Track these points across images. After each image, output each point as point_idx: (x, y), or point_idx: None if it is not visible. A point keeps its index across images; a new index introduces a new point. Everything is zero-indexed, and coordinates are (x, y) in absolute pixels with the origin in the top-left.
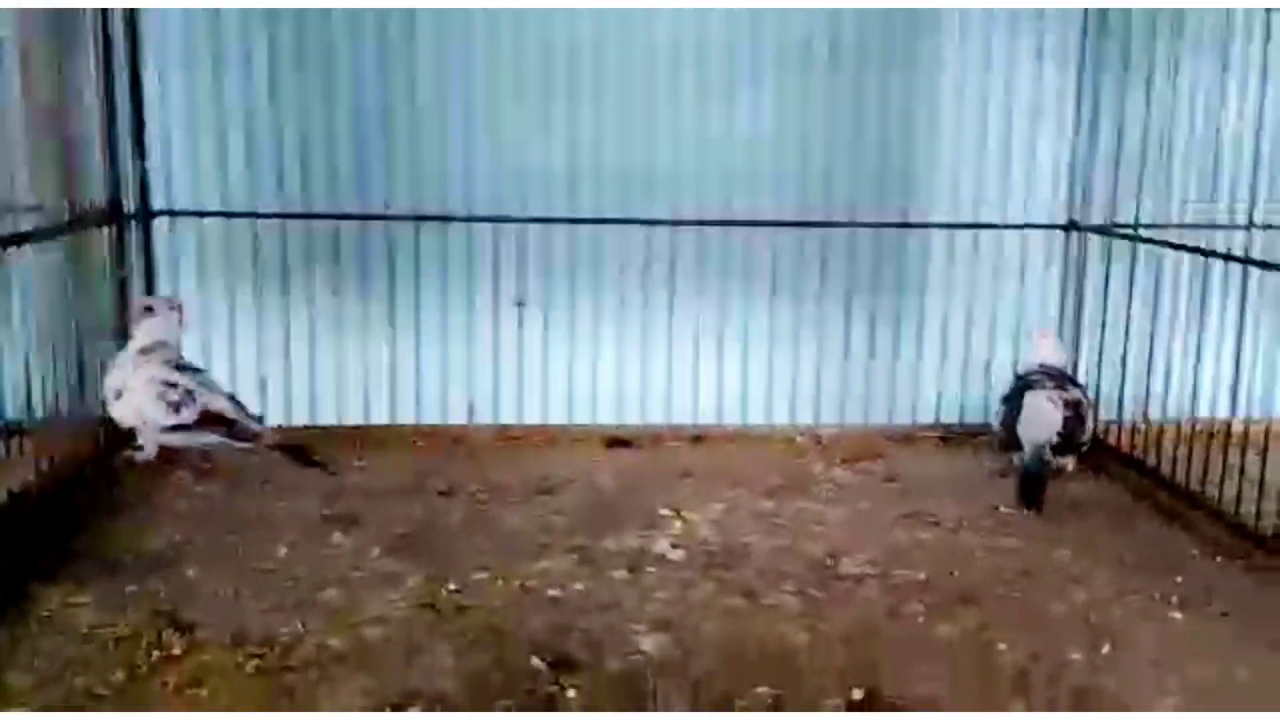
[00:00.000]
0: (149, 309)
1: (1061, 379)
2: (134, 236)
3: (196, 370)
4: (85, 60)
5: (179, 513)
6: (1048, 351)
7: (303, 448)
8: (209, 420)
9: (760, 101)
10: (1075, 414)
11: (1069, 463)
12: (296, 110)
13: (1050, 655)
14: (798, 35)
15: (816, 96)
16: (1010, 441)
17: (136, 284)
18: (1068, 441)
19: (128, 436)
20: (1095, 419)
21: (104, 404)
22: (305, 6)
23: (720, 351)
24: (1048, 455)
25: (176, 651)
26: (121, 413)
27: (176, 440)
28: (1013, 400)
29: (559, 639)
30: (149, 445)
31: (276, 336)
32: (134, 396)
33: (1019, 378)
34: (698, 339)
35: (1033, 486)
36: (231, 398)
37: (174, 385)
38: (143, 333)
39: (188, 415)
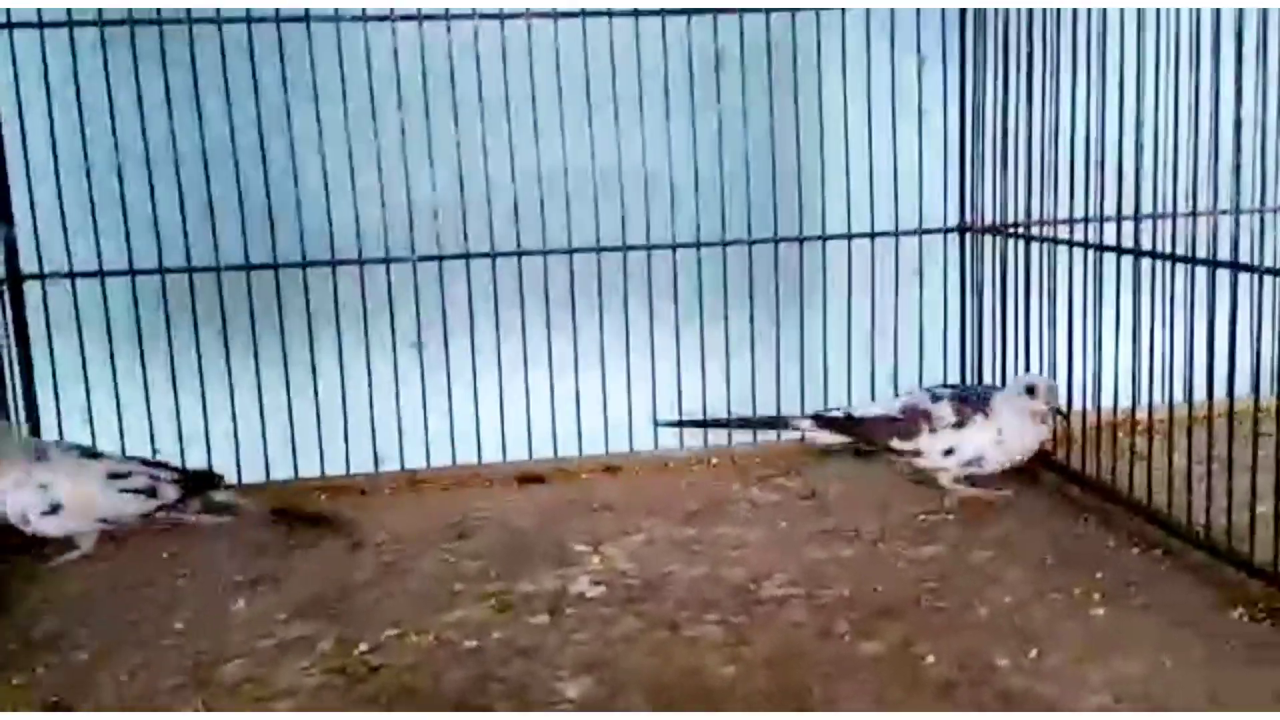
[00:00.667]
0: None
1: (949, 395)
2: (2, 303)
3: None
4: None
5: (70, 594)
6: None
7: (310, 514)
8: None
9: (649, 124)
10: (910, 415)
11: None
12: (168, 160)
13: (976, 662)
14: (680, 50)
15: (704, 115)
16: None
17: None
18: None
19: (33, 543)
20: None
21: (18, 523)
22: (169, 48)
23: (629, 378)
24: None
25: None
26: (74, 523)
27: (158, 521)
28: None
29: (478, 693)
30: (87, 543)
31: (165, 398)
32: (91, 501)
33: None
34: (604, 367)
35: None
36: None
37: (125, 474)
38: (14, 448)
39: (171, 494)
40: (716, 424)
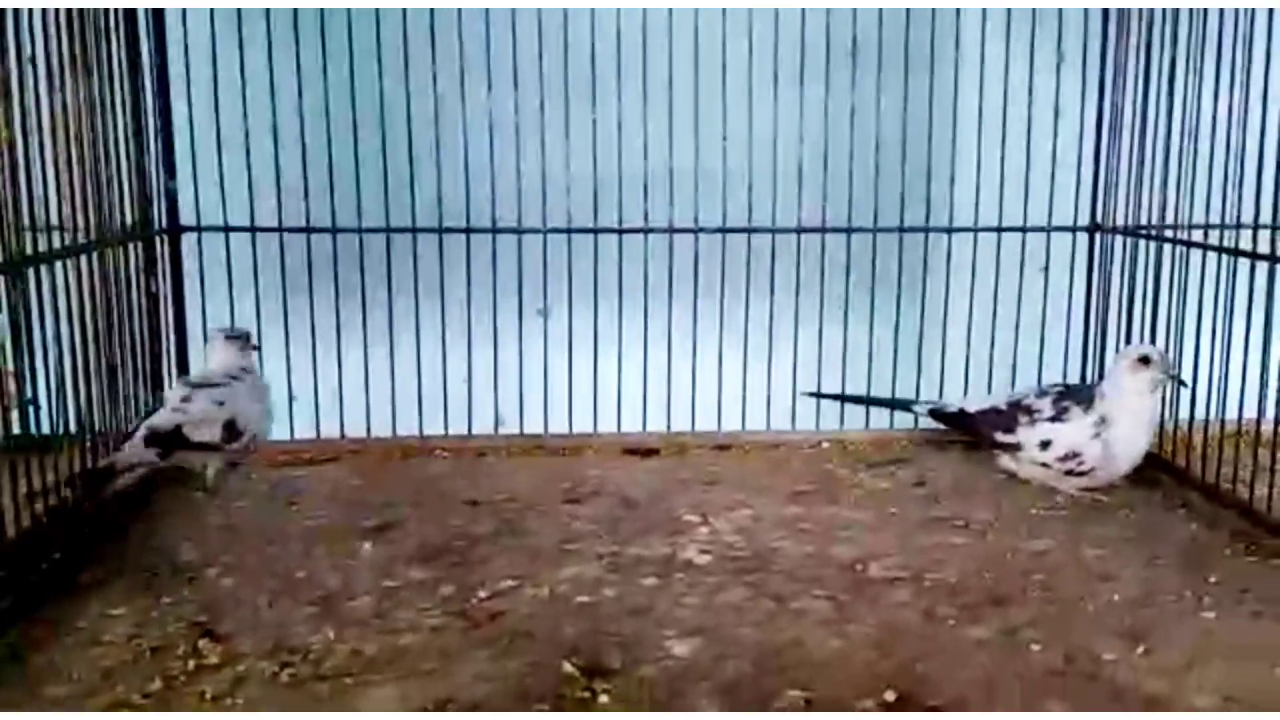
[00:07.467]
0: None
1: (1055, 391)
2: (163, 252)
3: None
4: (114, 80)
5: (211, 527)
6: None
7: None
8: None
9: (782, 105)
10: (1012, 408)
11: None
12: (321, 124)
13: (1083, 655)
14: (818, 38)
15: (838, 100)
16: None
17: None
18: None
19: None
20: None
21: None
22: (328, 22)
23: (745, 358)
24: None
25: (213, 661)
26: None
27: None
28: None
29: (592, 644)
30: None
31: (303, 350)
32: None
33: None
34: (721, 346)
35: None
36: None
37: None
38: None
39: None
40: (855, 400)
